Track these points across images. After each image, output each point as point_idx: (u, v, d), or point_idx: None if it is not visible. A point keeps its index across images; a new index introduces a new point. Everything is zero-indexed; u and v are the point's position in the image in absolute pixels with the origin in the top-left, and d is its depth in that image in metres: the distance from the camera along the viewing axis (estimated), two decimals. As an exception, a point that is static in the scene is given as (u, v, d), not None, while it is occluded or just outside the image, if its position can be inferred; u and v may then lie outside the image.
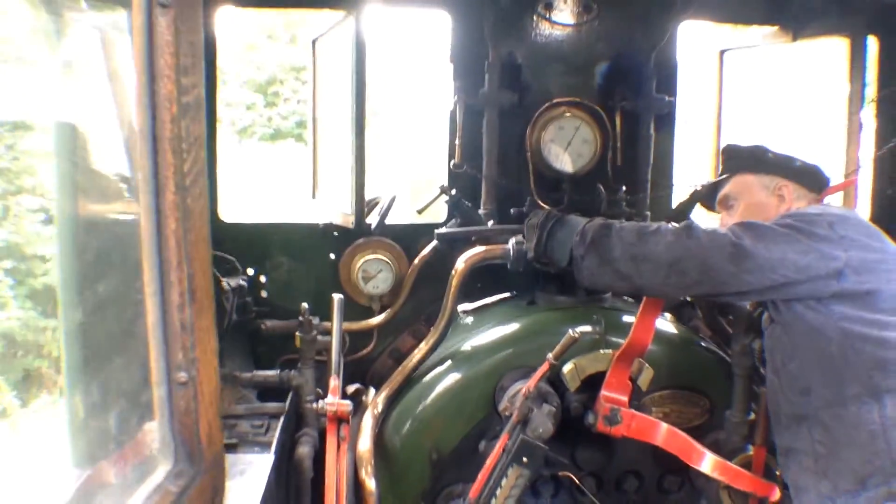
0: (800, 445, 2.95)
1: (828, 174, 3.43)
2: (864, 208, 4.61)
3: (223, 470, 0.87)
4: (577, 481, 3.48)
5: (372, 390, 4.02)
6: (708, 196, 3.62)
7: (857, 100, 4.41)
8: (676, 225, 3.11)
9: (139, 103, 0.71)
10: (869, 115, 4.45)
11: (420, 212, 4.29)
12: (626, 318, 3.61)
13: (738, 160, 3.48)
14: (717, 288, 2.98)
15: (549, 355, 3.21)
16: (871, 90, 4.45)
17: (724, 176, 3.49)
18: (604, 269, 3.11)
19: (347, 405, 3.34)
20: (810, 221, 2.97)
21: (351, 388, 4.08)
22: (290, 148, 30.00)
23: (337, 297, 3.68)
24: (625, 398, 3.27)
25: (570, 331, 3.22)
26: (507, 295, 4.24)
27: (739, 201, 3.42)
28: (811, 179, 3.38)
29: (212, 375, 0.82)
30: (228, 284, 3.75)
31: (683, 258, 2.97)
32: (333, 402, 3.35)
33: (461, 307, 4.12)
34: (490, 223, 4.07)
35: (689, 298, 4.16)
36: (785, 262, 2.88)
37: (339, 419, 3.36)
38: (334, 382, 3.45)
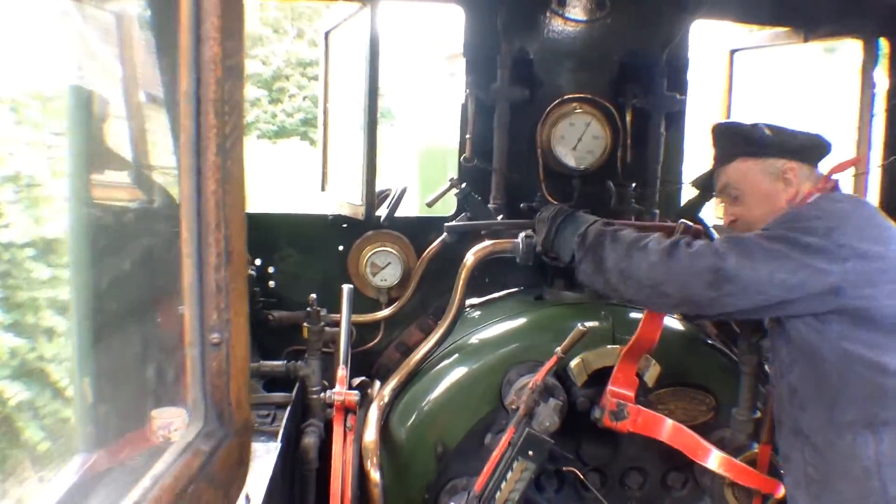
0: (795, 458, 2.92)
1: (829, 140, 3.22)
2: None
3: (251, 435, 0.87)
4: (581, 476, 3.48)
5: (377, 383, 4.02)
6: (705, 184, 3.53)
7: (868, 101, 4.41)
8: (666, 241, 3.01)
9: (184, 65, 0.72)
10: (880, 118, 4.45)
11: (430, 205, 4.30)
12: (634, 315, 3.61)
13: (733, 143, 3.24)
14: (701, 310, 2.97)
15: (558, 349, 3.21)
16: (883, 92, 4.45)
17: (719, 164, 3.26)
18: (597, 276, 3.11)
19: (355, 395, 3.35)
20: (806, 230, 2.82)
21: (356, 381, 4.08)
22: (295, 147, 29.56)
23: (346, 287, 3.69)
24: (631, 394, 3.27)
25: (580, 325, 3.22)
26: (514, 290, 4.25)
27: (744, 192, 3.17)
28: (815, 153, 3.17)
29: (243, 339, 0.83)
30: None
31: (664, 281, 2.92)
32: (341, 391, 3.36)
33: (469, 301, 4.13)
34: (499, 217, 4.07)
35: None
36: (773, 281, 2.77)
37: (347, 409, 3.36)
38: (342, 372, 3.45)
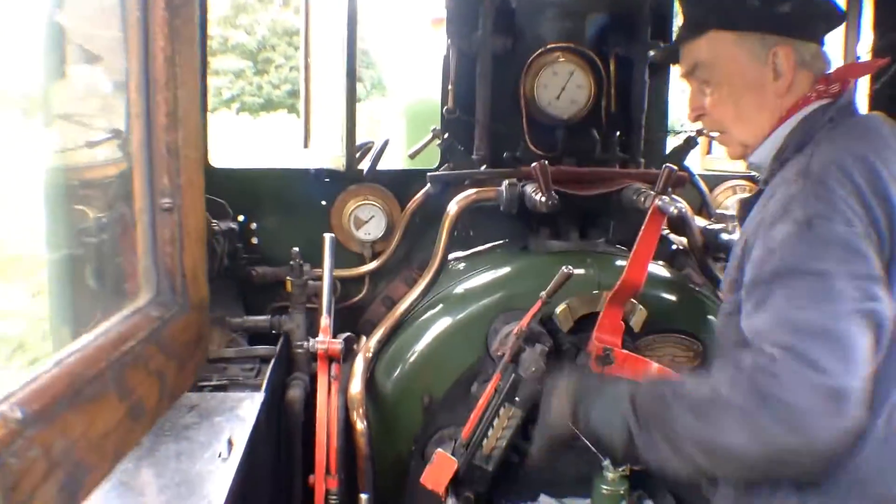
0: None
1: (840, 4, 2.51)
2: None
3: (207, 318, 0.84)
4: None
5: (364, 338, 4.00)
6: (668, 58, 2.98)
7: (853, 44, 4.38)
8: (729, 372, 2.04)
9: None
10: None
11: (412, 156, 4.25)
12: (619, 262, 3.58)
13: (705, 8, 2.49)
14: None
15: (542, 293, 3.19)
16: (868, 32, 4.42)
17: (686, 36, 2.51)
18: (663, 448, 2.16)
19: (338, 343, 3.33)
20: (848, 256, 1.98)
21: (342, 336, 4.06)
22: (283, 120, 28.96)
23: (328, 235, 3.66)
24: (618, 339, 3.26)
25: (564, 267, 3.19)
26: (500, 242, 4.22)
27: (716, 77, 2.43)
28: (818, 26, 2.40)
29: (198, 209, 0.80)
30: (219, 227, 3.72)
31: (780, 450, 1.92)
32: (324, 340, 3.34)
33: (453, 255, 4.10)
34: (483, 168, 4.04)
35: (682, 246, 4.15)
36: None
37: (331, 358, 3.34)
38: (325, 321, 3.43)
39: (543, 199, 3.43)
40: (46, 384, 0.60)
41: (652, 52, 4.07)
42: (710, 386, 2.06)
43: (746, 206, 2.48)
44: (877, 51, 4.36)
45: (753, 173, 4.60)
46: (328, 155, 4.39)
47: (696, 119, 2.56)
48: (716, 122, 2.50)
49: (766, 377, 1.90)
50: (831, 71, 2.42)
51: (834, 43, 4.41)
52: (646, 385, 2.36)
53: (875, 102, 4.41)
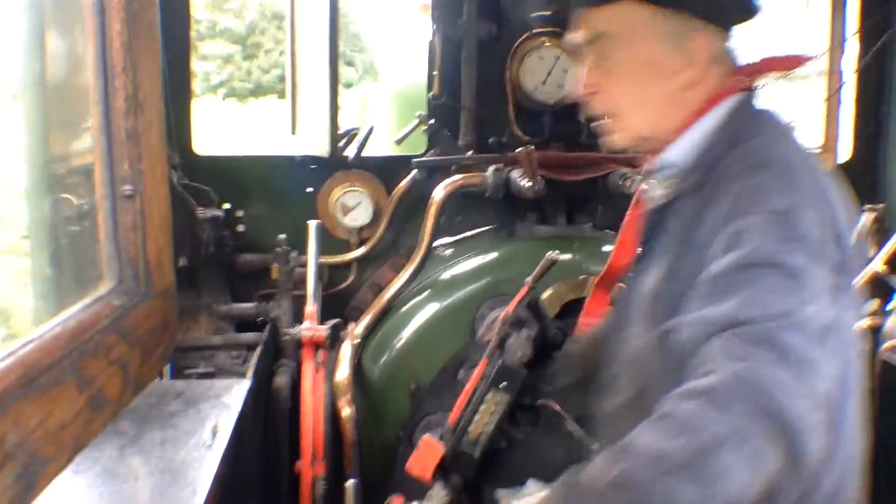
0: None
1: None
2: (845, 144, 4.58)
3: (174, 305, 0.83)
4: (557, 408, 3.46)
5: (351, 324, 3.99)
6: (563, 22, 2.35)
7: (839, 30, 4.37)
8: (697, 402, 1.56)
9: None
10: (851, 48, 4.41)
11: (398, 142, 4.24)
12: (606, 247, 3.58)
13: None
14: None
15: (528, 279, 3.18)
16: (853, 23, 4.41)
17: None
18: None
19: (324, 329, 3.33)
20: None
21: (329, 323, 4.05)
22: (273, 105, 28.73)
23: (313, 222, 3.65)
24: (604, 324, 3.26)
25: (549, 253, 3.19)
26: (487, 228, 4.21)
27: (625, 54, 2.03)
28: (734, 15, 2.11)
29: (162, 196, 0.79)
30: (204, 215, 3.71)
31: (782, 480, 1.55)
32: (310, 327, 3.33)
33: (440, 241, 4.09)
34: (469, 153, 4.02)
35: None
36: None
37: (317, 345, 3.34)
38: (311, 308, 3.42)
39: (529, 184, 3.43)
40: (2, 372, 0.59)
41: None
42: (685, 429, 1.52)
43: (657, 221, 2.14)
44: (864, 35, 4.36)
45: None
46: (316, 141, 4.36)
47: (587, 96, 2.11)
48: (610, 103, 2.09)
49: (759, 379, 1.53)
50: (751, 63, 2.15)
51: (820, 26, 4.42)
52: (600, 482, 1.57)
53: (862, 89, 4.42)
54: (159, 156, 0.75)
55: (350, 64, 31.68)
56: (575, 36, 2.12)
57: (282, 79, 31.28)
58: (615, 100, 2.08)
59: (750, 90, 2.09)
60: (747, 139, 1.96)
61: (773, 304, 1.63)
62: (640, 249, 2.25)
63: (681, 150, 2.06)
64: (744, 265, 1.71)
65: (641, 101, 2.06)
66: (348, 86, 29.26)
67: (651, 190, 2.21)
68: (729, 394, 1.51)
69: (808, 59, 2.34)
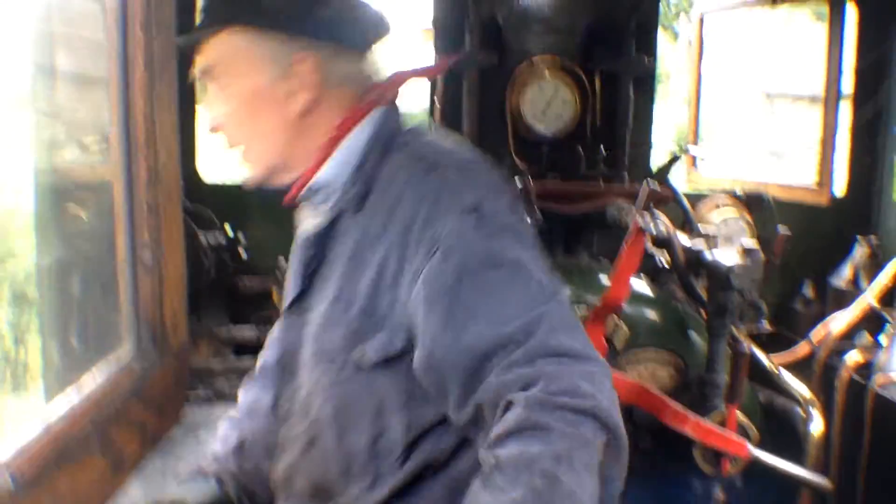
0: None
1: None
2: (840, 176, 4.64)
3: (187, 360, 0.87)
4: None
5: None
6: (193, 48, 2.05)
7: (835, 64, 4.43)
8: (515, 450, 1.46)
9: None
10: (847, 83, 4.48)
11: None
12: (602, 278, 3.62)
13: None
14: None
15: (524, 311, 3.21)
16: (850, 57, 4.48)
17: (206, 28, 1.88)
18: None
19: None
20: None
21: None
22: None
23: None
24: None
25: None
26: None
27: (227, 79, 1.90)
28: (354, 32, 1.92)
29: (178, 262, 0.83)
30: (206, 240, 3.74)
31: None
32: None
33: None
34: (469, 183, 4.06)
35: (665, 265, 4.17)
36: None
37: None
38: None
39: (527, 216, 3.47)
40: (35, 450, 0.62)
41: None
42: (519, 472, 1.43)
43: (316, 242, 1.99)
44: (859, 73, 4.43)
45: (736, 190, 4.64)
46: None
47: (214, 132, 1.96)
48: (233, 137, 1.95)
49: (557, 393, 1.47)
50: (388, 78, 2.01)
51: (818, 51, 4.48)
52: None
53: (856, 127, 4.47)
54: (176, 223, 0.79)
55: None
56: (193, 70, 1.96)
57: None
58: (236, 132, 1.95)
59: (392, 103, 1.98)
60: (403, 145, 1.89)
61: (522, 311, 1.57)
62: (298, 287, 2.03)
63: (333, 170, 1.93)
64: (465, 273, 1.62)
65: (259, 131, 1.92)
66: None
67: (304, 219, 2.09)
68: (539, 420, 1.45)
69: (439, 68, 2.25)
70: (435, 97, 4.24)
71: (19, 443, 0.60)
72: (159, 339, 0.75)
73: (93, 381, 0.69)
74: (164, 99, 0.70)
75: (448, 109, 4.18)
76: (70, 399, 0.66)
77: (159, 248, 0.73)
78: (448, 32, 4.19)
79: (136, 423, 0.71)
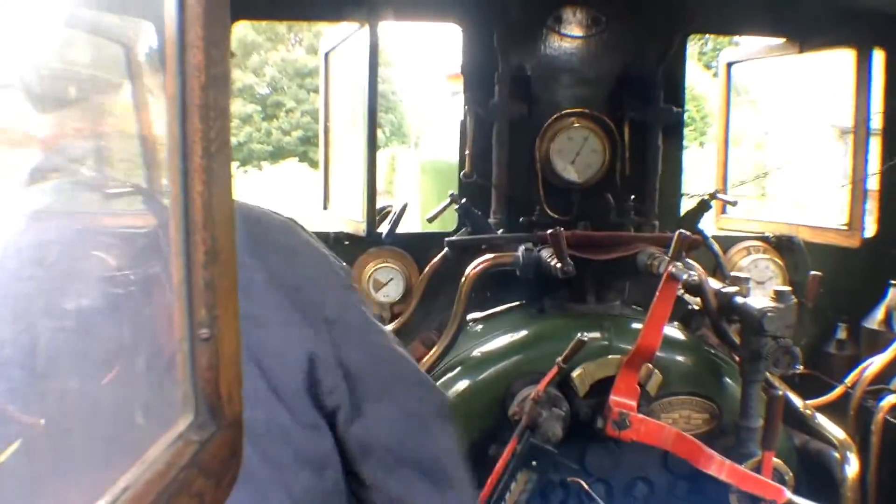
0: None
1: None
2: (871, 224, 4.64)
3: (242, 431, 0.91)
4: (586, 487, 3.49)
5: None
6: None
7: (863, 109, 4.45)
8: None
9: (170, 72, 0.76)
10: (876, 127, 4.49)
11: (430, 220, 4.34)
12: (635, 325, 3.63)
13: None
14: None
15: (558, 359, 3.24)
16: (878, 102, 4.49)
17: None
18: None
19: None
20: None
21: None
22: (293, 170, 27.76)
23: None
24: (633, 403, 3.30)
25: (579, 335, 3.25)
26: (516, 304, 4.28)
27: None
28: None
29: (233, 336, 0.87)
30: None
31: None
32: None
33: (471, 316, 4.16)
34: (500, 232, 4.11)
35: (697, 307, 4.19)
36: None
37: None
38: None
39: (559, 265, 3.50)
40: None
41: None
42: None
43: None
44: (889, 99, 4.44)
45: (766, 234, 4.66)
46: (349, 217, 4.46)
47: None
48: None
49: None
50: None
51: (845, 106, 4.50)
52: None
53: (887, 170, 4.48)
54: (232, 300, 0.84)
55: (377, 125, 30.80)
56: None
57: (304, 141, 30.58)
58: None
59: None
60: None
61: None
62: None
63: None
64: None
65: None
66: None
67: None
68: None
69: None
70: (466, 147, 4.29)
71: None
72: (216, 411, 0.79)
73: (156, 453, 0.74)
74: (220, 180, 0.74)
75: (478, 159, 4.24)
76: (134, 473, 0.70)
77: (215, 325, 0.78)
78: (478, 82, 4.26)
79: (197, 495, 0.75)
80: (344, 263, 1.94)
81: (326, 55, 4.94)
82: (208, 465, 0.84)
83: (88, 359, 1.12)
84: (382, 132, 31.79)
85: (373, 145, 4.26)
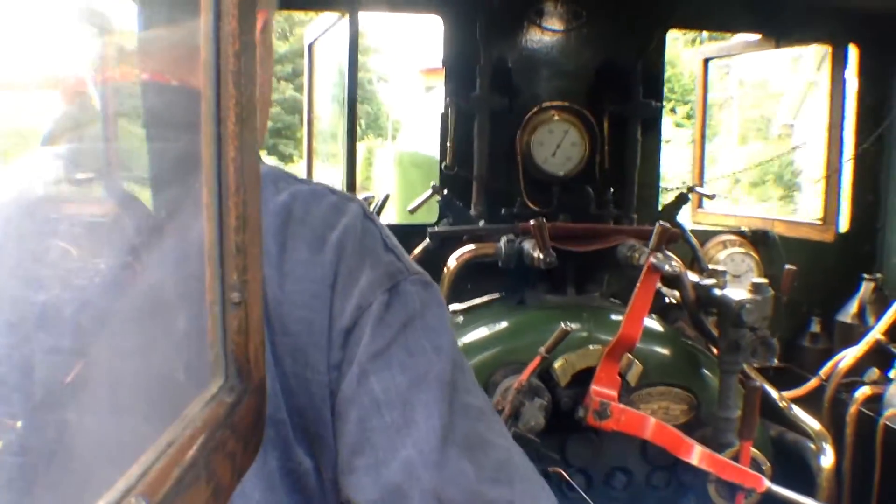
0: None
1: None
2: (844, 214, 4.72)
3: (266, 397, 0.92)
4: (566, 477, 3.52)
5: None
6: None
7: (838, 105, 4.52)
8: None
9: (205, 39, 0.77)
10: (849, 122, 4.57)
11: (412, 211, 4.35)
12: (615, 317, 3.66)
13: None
14: None
15: (541, 349, 3.26)
16: (852, 97, 4.57)
17: None
18: None
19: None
20: None
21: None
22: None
23: None
24: (614, 393, 3.33)
25: (563, 324, 3.28)
26: (497, 295, 4.30)
27: None
28: None
29: (259, 301, 0.88)
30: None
31: None
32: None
33: (452, 307, 4.17)
34: (481, 223, 4.13)
35: (674, 300, 4.23)
36: None
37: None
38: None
39: (541, 256, 3.52)
40: (158, 475, 0.67)
41: None
42: None
43: None
44: (862, 96, 4.52)
45: (742, 228, 4.72)
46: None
47: None
48: None
49: None
50: None
51: (819, 102, 4.57)
52: None
53: (860, 162, 4.55)
54: (258, 264, 0.84)
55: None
56: None
57: (273, 133, 30.37)
58: None
59: None
60: None
61: None
62: None
63: None
64: None
65: None
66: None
67: None
68: None
69: None
70: (447, 139, 4.30)
71: (140, 468, 0.65)
72: (245, 374, 0.80)
73: (193, 412, 0.74)
74: (249, 146, 0.75)
75: (460, 151, 4.25)
76: (177, 429, 0.71)
77: (245, 289, 0.78)
78: (459, 75, 4.28)
79: (229, 454, 0.75)
80: None
81: (310, 46, 4.94)
82: (238, 426, 0.85)
83: (129, 320, 1.13)
84: (359, 124, 31.57)
85: (353, 136, 4.28)
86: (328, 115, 5.01)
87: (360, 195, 4.36)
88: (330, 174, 4.71)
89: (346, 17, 4.21)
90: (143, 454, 0.71)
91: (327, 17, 4.56)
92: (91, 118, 1.43)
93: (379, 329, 1.33)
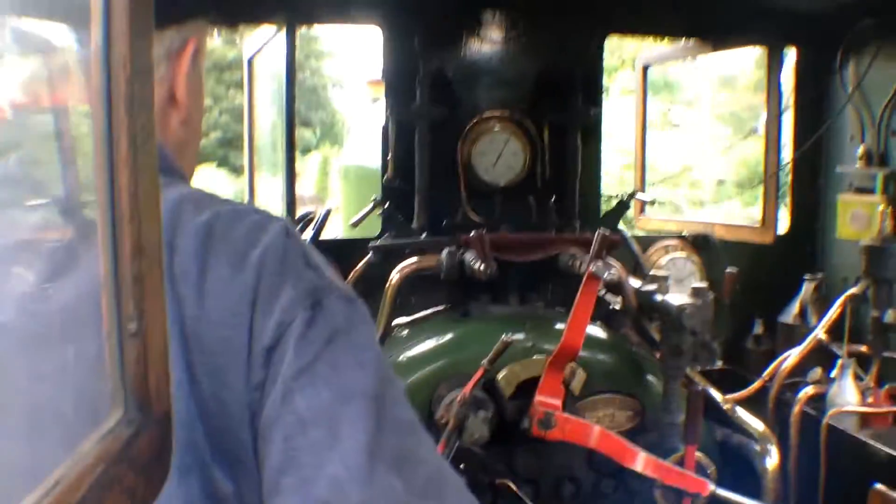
0: None
1: None
2: (784, 216, 4.77)
3: (171, 427, 0.90)
4: (514, 488, 3.51)
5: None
6: None
7: (775, 107, 4.57)
8: None
9: (95, 64, 0.75)
10: (787, 123, 4.62)
11: (354, 225, 4.32)
12: (558, 326, 3.66)
13: None
14: None
15: (484, 361, 3.25)
16: (789, 98, 4.62)
17: None
18: None
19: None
20: None
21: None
22: (212, 176, 26.13)
23: None
24: (558, 402, 3.32)
25: (504, 336, 3.27)
26: (441, 308, 4.28)
27: None
28: None
29: (161, 330, 0.85)
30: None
31: None
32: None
33: (396, 321, 4.15)
34: (423, 235, 4.12)
35: (618, 306, 4.25)
36: None
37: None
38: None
39: (482, 267, 3.52)
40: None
41: None
42: None
43: None
44: (800, 98, 4.57)
45: (684, 232, 4.75)
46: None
47: None
48: None
49: None
50: None
51: (756, 101, 4.64)
52: None
53: (799, 164, 4.61)
54: (159, 292, 0.82)
55: (306, 125, 30.43)
56: None
57: (222, 143, 29.29)
58: None
59: None
60: None
61: None
62: None
63: None
64: None
65: None
66: (306, 151, 28.04)
67: None
68: None
69: None
70: (388, 152, 4.29)
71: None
72: (145, 406, 0.78)
73: (87, 448, 0.72)
74: (147, 172, 0.73)
75: (400, 163, 4.24)
76: (68, 465, 0.69)
77: (143, 318, 0.76)
78: (399, 86, 4.26)
79: (127, 490, 0.73)
80: None
81: (250, 61, 4.90)
82: (138, 460, 0.82)
83: (23, 353, 1.10)
84: (313, 132, 31.04)
85: (291, 151, 4.24)
86: (272, 126, 4.96)
87: (301, 210, 4.33)
88: (276, 186, 4.66)
89: (283, 30, 4.18)
90: (27, 496, 0.68)
91: (266, 31, 4.53)
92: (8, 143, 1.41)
93: (302, 346, 1.30)
